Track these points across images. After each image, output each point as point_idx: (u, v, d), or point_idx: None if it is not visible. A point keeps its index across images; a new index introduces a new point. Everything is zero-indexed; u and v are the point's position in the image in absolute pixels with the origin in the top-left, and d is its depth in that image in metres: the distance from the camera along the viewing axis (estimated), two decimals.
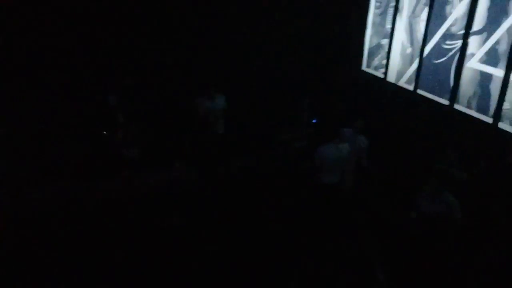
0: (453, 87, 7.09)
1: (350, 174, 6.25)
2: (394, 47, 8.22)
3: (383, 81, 8.53)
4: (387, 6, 8.29)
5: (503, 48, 6.28)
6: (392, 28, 8.17)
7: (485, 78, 6.59)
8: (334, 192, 6.03)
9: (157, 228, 5.77)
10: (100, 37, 7.63)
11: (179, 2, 8.10)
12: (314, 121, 7.14)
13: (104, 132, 7.00)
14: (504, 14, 6.21)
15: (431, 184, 5.13)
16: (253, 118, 8.08)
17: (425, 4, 7.46)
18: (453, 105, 7.12)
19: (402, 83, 8.14)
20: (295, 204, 6.40)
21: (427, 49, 7.50)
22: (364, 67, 9.08)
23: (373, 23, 8.70)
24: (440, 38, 7.26)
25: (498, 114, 6.41)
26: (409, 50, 7.94)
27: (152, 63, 8.06)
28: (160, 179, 6.56)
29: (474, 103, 6.82)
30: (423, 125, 7.47)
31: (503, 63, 6.27)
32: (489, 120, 6.55)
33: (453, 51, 7.06)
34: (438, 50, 7.32)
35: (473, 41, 6.71)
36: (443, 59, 7.26)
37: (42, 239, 5.61)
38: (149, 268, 5.20)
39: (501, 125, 6.41)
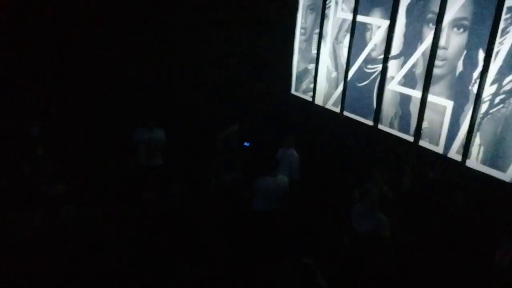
0: (376, 108, 7.29)
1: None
2: (320, 71, 8.37)
3: (311, 104, 8.64)
4: (311, 33, 8.47)
5: (419, 71, 6.56)
6: (318, 54, 8.33)
7: (405, 99, 6.84)
8: (269, 220, 5.91)
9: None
10: (24, 59, 7.12)
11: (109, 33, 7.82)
12: (247, 144, 6.98)
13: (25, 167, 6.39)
14: (419, 39, 6.51)
15: (365, 202, 5.14)
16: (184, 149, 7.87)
17: (346, 31, 7.68)
18: (377, 125, 7.31)
19: (329, 105, 8.28)
20: (230, 232, 6.18)
21: (351, 73, 7.70)
22: (293, 91, 9.17)
23: (300, 49, 8.85)
24: (362, 63, 7.48)
25: (418, 133, 6.65)
26: (334, 74, 8.11)
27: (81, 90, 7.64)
28: (81, 217, 6.03)
29: (396, 123, 7.04)
30: (351, 145, 7.60)
31: (420, 85, 6.54)
32: (411, 138, 6.78)
33: (375, 74, 7.29)
34: (361, 74, 7.53)
35: (392, 65, 6.97)
36: (366, 82, 7.47)
37: None
38: None
39: (421, 142, 6.65)
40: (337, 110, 8.06)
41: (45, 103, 7.15)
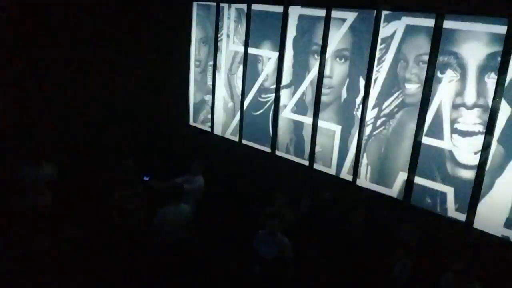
0: (272, 135, 7.29)
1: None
2: (217, 102, 8.21)
3: (210, 134, 8.43)
4: (206, 64, 8.32)
5: (309, 98, 6.70)
6: (213, 85, 8.18)
7: (298, 126, 6.93)
8: (177, 253, 5.49)
9: None
10: None
11: None
12: (146, 178, 6.49)
13: None
14: (306, 69, 6.67)
15: (267, 227, 5.03)
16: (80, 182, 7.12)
17: (239, 63, 7.65)
18: (274, 152, 7.31)
19: (228, 135, 8.13)
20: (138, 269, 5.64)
21: (246, 103, 7.64)
22: (191, 121, 8.89)
23: (195, 81, 8.63)
24: (256, 92, 7.48)
25: (312, 157, 6.74)
26: (230, 104, 8.01)
27: None
28: None
29: (292, 149, 7.09)
30: (251, 172, 7.49)
31: (310, 111, 6.68)
32: (306, 162, 6.86)
33: (269, 103, 7.31)
34: (256, 103, 7.51)
35: (284, 93, 7.04)
36: (261, 111, 7.46)
37: None
38: None
39: (316, 166, 6.75)
40: (236, 139, 7.93)
41: None
